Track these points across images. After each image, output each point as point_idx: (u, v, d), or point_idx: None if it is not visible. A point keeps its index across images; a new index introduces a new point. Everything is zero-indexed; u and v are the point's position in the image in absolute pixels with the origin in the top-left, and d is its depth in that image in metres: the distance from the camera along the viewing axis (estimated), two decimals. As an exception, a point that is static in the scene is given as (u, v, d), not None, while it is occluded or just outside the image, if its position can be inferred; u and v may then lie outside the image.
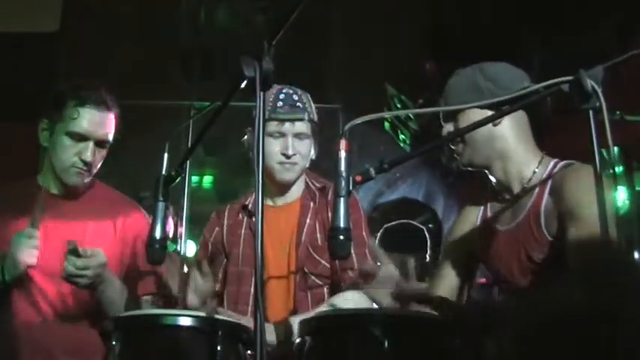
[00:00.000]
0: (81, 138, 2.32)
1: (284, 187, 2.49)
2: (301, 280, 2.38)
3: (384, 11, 5.33)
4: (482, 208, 2.22)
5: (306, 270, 2.38)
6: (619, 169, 4.01)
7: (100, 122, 2.33)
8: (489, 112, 1.97)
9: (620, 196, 3.90)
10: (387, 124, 5.90)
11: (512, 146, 2.07)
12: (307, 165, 2.49)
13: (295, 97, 2.42)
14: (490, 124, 2.01)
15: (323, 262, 2.38)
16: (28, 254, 2.19)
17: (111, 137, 2.38)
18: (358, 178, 1.63)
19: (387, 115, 5.51)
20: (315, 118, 2.47)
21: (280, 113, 2.38)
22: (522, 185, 2.07)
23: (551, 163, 2.06)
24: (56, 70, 4.96)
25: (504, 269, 2.09)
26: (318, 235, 2.42)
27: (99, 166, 2.41)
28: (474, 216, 2.24)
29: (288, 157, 2.39)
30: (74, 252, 2.12)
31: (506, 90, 1.94)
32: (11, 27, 4.83)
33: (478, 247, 2.21)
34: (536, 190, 2.03)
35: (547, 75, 1.53)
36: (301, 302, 2.36)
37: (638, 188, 4.04)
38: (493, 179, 2.13)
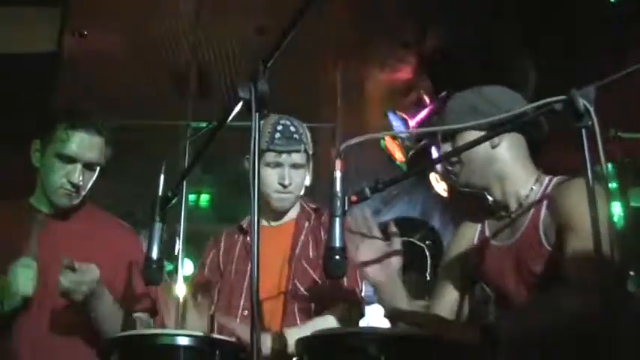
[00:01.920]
0: (70, 160, 2.33)
1: (280, 214, 2.56)
2: (290, 294, 2.40)
3: (379, 30, 5.36)
4: (479, 225, 2.23)
5: (296, 282, 2.41)
6: (613, 185, 4.02)
7: (89, 145, 2.35)
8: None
9: (615, 211, 3.91)
10: (382, 143, 5.92)
11: (509, 168, 2.09)
12: (302, 193, 2.57)
13: (292, 129, 2.49)
14: (489, 147, 2.04)
15: (314, 276, 2.42)
16: (26, 285, 2.21)
17: (100, 160, 2.39)
18: (354, 198, 1.64)
19: (382, 135, 5.53)
20: (311, 149, 2.55)
21: (278, 145, 2.45)
22: (519, 203, 2.08)
23: (546, 180, 2.08)
24: (51, 90, 4.96)
25: (505, 284, 2.09)
26: (311, 251, 2.47)
27: (88, 187, 2.42)
28: (471, 234, 2.24)
29: (284, 186, 2.47)
30: (69, 267, 2.13)
31: (505, 112, 1.96)
32: (8, 48, 4.84)
33: (476, 264, 2.21)
34: (534, 206, 2.04)
35: (544, 88, 1.54)
36: (289, 317, 2.38)
37: (632, 204, 4.06)
38: (491, 199, 2.15)
